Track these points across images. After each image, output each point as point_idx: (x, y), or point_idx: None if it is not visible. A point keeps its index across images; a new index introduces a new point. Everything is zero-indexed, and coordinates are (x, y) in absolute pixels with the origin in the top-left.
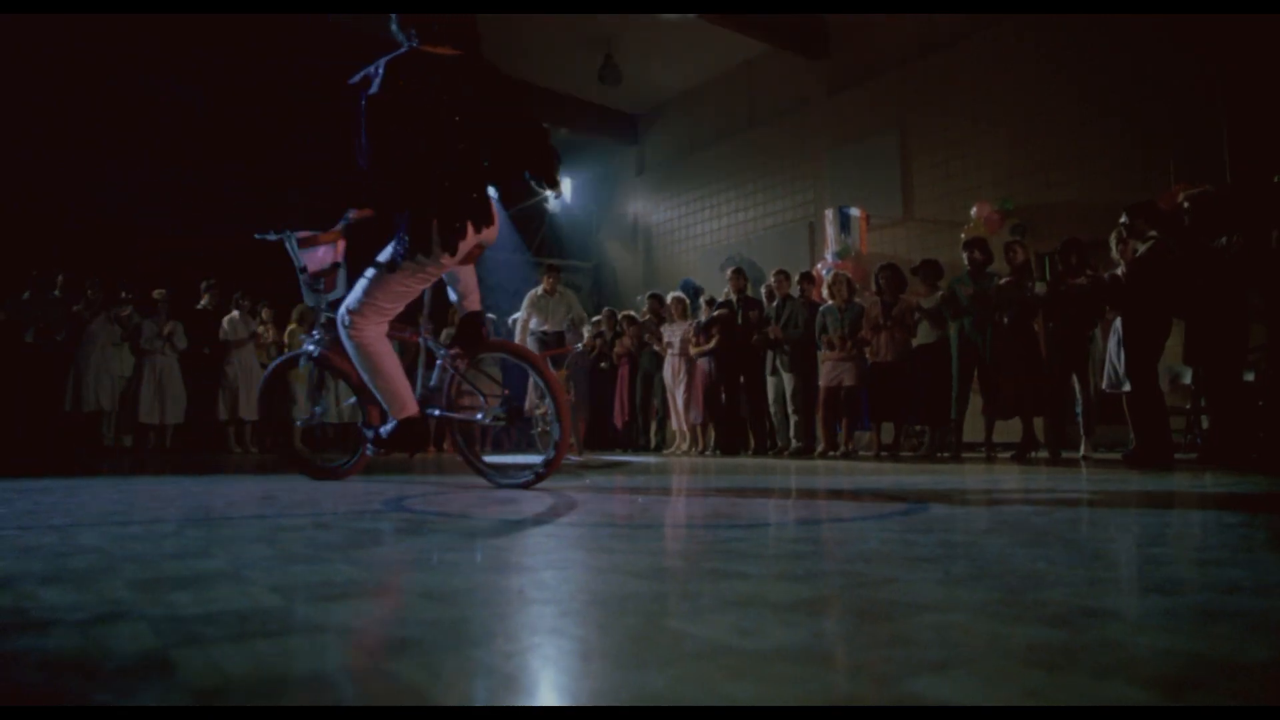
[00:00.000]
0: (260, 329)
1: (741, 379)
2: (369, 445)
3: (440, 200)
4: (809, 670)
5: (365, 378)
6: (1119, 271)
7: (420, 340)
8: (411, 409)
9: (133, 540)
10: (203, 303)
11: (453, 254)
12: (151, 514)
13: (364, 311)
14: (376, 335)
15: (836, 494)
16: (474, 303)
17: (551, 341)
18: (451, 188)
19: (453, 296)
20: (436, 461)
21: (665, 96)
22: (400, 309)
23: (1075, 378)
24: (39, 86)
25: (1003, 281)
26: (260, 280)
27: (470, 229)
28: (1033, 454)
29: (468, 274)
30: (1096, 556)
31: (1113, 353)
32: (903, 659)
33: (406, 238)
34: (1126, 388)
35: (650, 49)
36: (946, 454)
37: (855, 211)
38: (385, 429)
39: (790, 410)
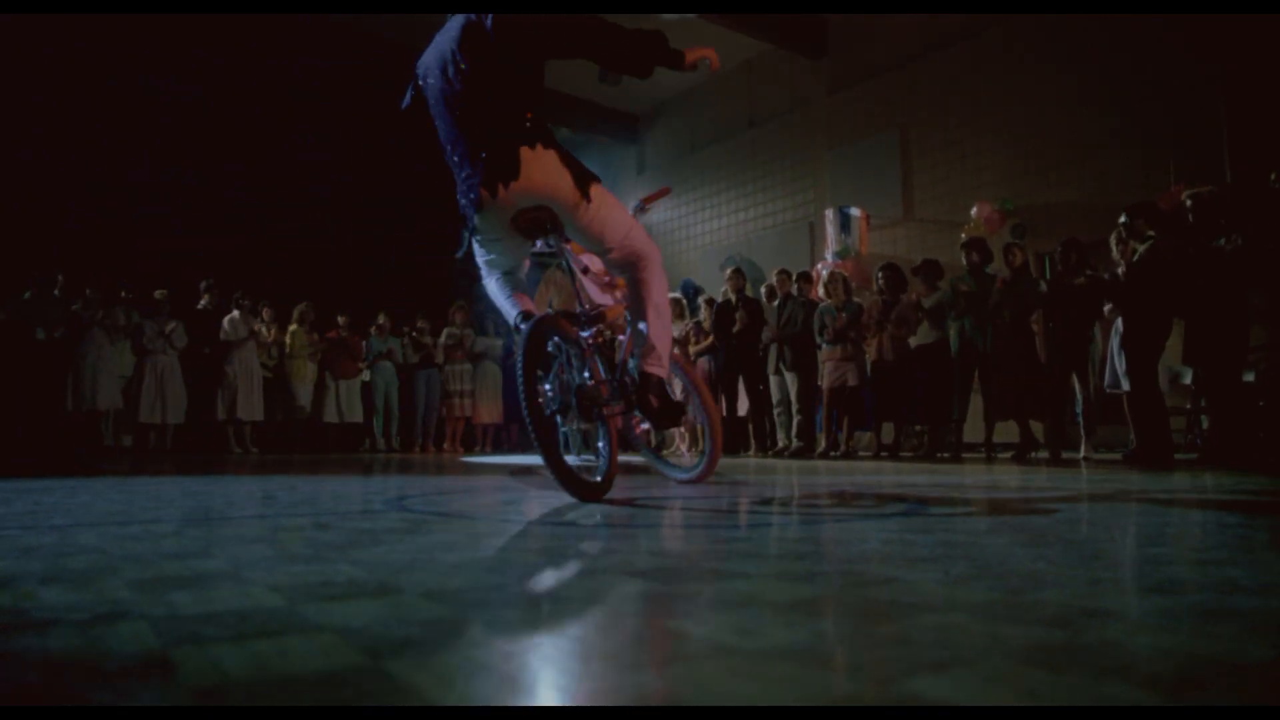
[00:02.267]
0: (260, 329)
1: (741, 379)
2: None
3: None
4: (809, 670)
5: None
6: (1119, 271)
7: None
8: (525, 307)
9: (133, 540)
10: (203, 303)
11: (471, 230)
12: (151, 514)
13: (482, 265)
14: (487, 279)
15: (836, 494)
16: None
17: None
18: (461, 162)
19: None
20: (436, 462)
21: (665, 96)
22: (500, 267)
23: (1075, 378)
24: (39, 86)
25: (996, 273)
26: (260, 280)
27: (485, 194)
28: (1033, 454)
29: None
30: (1096, 556)
31: (1114, 352)
32: (903, 659)
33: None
34: (1126, 387)
35: None
36: (946, 454)
37: (855, 211)
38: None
39: (793, 410)
